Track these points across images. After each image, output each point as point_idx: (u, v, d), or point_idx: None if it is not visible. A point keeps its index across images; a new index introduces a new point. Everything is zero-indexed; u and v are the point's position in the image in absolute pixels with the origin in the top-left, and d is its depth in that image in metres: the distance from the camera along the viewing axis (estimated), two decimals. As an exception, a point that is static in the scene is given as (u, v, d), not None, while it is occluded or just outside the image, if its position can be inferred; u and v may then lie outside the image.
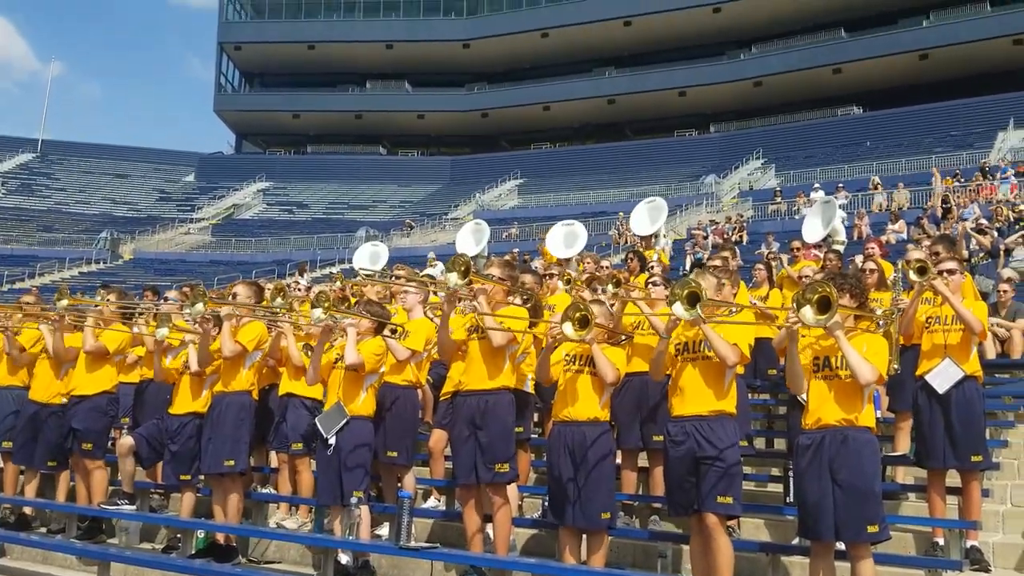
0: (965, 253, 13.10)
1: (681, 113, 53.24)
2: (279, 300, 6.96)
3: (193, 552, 6.51)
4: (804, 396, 4.85)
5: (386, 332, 6.19)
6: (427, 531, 6.63)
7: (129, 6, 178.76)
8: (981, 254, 14.52)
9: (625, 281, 7.55)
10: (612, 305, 6.07)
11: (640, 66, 53.85)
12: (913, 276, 5.85)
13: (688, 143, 51.73)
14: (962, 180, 26.56)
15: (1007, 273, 12.39)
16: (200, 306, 6.25)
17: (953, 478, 5.90)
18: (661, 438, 5.44)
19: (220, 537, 6.51)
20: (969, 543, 5.60)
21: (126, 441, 7.21)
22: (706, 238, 22.04)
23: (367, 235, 36.42)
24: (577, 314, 5.00)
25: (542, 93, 55.79)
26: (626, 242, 24.59)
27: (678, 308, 4.61)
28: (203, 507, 7.06)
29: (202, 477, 6.90)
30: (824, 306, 4.33)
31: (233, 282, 7.22)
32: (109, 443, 7.68)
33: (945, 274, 5.87)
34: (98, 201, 53.03)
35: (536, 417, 7.76)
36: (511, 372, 5.66)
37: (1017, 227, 17.01)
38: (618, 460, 6.24)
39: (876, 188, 27.06)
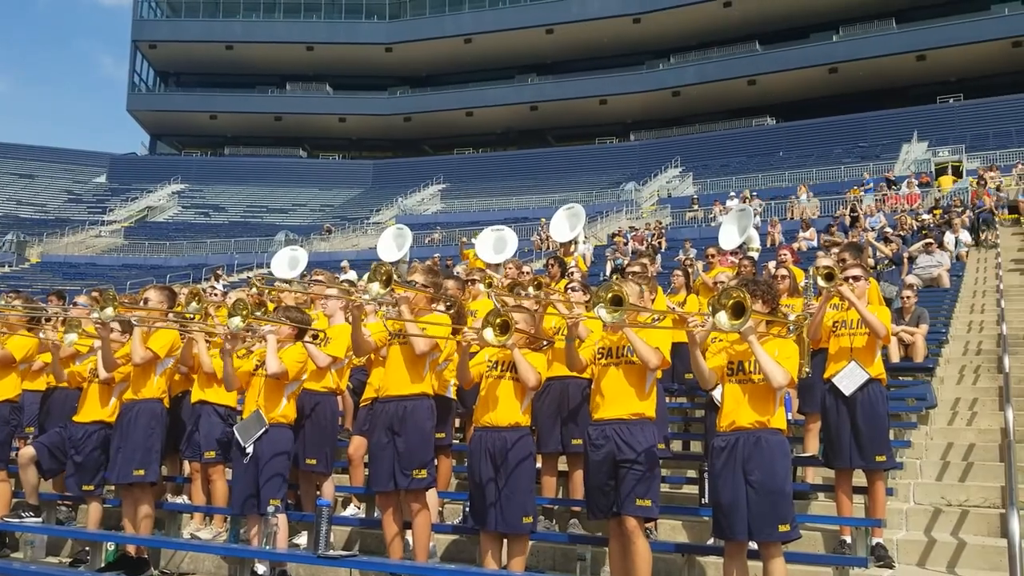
0: (871, 261, 13.59)
1: (602, 121, 54.00)
2: (194, 305, 6.78)
3: (103, 565, 6.29)
4: (717, 395, 4.95)
5: (307, 338, 6.10)
6: (346, 538, 6.57)
7: (37, 1, 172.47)
8: (885, 261, 15.11)
9: (546, 286, 7.60)
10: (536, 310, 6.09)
11: (562, 74, 54.38)
12: (821, 282, 6.05)
13: (609, 150, 52.41)
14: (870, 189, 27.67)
15: (910, 280, 12.94)
16: (110, 311, 6.04)
17: (859, 478, 6.09)
18: (581, 442, 5.49)
19: (131, 549, 6.32)
20: (875, 540, 5.80)
21: (27, 451, 6.96)
22: (626, 244, 22.37)
23: (286, 239, 35.86)
24: (498, 320, 5.01)
25: (465, 98, 55.85)
26: (548, 248, 24.78)
27: (601, 312, 4.62)
28: (113, 518, 6.84)
29: (109, 488, 6.68)
30: (738, 312, 4.43)
31: (145, 287, 7.00)
32: (12, 453, 7.39)
33: (851, 280, 6.05)
34: (2, 202, 50.88)
35: (458, 423, 7.75)
36: (431, 378, 5.63)
37: (920, 235, 17.78)
38: (538, 464, 6.28)
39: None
